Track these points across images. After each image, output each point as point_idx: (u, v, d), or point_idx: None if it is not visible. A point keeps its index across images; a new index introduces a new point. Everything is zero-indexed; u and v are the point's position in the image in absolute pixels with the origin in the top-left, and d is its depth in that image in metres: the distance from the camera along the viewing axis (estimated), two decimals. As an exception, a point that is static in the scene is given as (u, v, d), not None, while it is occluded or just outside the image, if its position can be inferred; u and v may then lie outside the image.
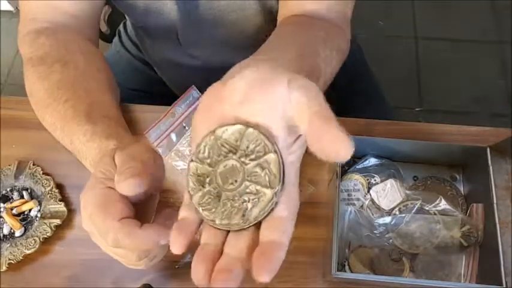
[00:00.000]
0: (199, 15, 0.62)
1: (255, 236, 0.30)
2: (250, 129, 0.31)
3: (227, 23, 0.64)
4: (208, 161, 0.32)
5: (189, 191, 0.33)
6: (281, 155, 0.30)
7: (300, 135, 0.31)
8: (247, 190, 0.32)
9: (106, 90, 0.55)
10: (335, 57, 0.50)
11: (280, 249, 0.28)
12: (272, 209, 0.31)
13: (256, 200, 0.31)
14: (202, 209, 0.32)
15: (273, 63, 0.35)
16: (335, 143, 0.27)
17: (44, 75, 0.53)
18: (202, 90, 0.53)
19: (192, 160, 0.33)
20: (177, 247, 0.30)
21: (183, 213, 0.32)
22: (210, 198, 0.32)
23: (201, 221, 0.32)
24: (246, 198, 0.31)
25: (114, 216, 0.37)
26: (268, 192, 0.31)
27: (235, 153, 0.32)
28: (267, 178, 0.31)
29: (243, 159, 0.32)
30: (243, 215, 0.32)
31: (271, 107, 0.29)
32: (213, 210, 0.32)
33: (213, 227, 0.32)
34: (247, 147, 0.32)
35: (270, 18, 0.63)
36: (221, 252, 0.30)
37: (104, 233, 0.37)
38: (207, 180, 0.32)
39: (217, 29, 0.65)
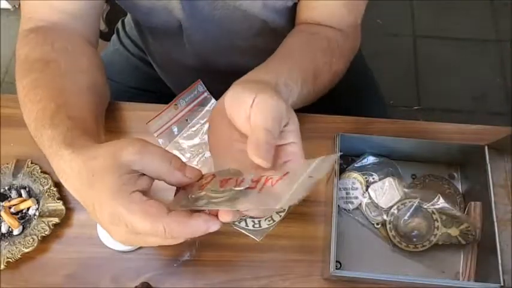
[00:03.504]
0: (204, 15, 0.62)
1: None
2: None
3: (235, 21, 0.63)
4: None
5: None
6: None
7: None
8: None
9: (84, 92, 0.53)
10: (335, 62, 0.58)
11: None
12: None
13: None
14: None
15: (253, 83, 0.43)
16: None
17: (25, 73, 0.52)
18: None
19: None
20: None
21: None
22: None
23: None
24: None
25: (161, 213, 0.38)
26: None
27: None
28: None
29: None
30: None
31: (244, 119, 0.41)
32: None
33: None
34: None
35: (274, 15, 0.63)
36: None
37: (153, 232, 0.38)
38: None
39: (223, 29, 0.64)
